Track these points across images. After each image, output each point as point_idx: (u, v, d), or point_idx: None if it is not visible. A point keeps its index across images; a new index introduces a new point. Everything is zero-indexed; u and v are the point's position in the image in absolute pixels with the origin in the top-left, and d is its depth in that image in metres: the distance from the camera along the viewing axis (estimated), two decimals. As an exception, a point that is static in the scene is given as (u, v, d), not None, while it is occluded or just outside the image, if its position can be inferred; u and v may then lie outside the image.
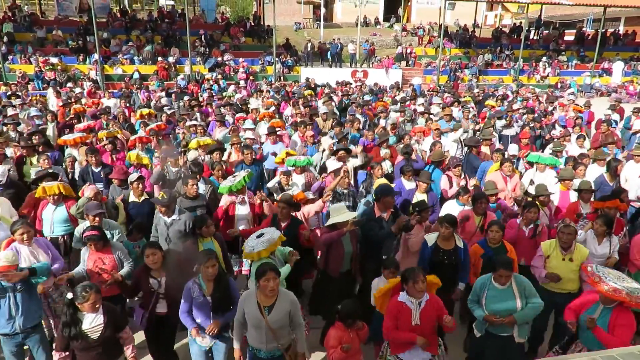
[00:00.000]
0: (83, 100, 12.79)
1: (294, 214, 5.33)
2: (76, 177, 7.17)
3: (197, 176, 6.16)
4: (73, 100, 12.24)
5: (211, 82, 18.64)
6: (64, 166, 7.43)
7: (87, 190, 5.35)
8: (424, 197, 5.90)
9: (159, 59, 20.61)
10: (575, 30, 31.10)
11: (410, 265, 4.50)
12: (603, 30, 26.03)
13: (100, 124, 9.78)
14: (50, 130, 9.86)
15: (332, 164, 6.78)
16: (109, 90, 16.10)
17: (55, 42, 21.20)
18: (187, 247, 4.73)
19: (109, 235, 4.79)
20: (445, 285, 4.22)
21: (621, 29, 33.59)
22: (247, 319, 3.62)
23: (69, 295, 3.50)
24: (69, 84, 17.50)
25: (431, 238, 4.70)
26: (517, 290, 3.91)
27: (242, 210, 5.56)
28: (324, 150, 7.97)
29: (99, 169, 6.84)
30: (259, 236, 4.28)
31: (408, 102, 13.29)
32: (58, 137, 9.34)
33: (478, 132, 9.69)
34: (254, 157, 7.16)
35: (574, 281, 4.52)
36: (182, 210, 5.14)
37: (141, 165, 6.93)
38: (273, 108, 11.24)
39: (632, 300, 3.37)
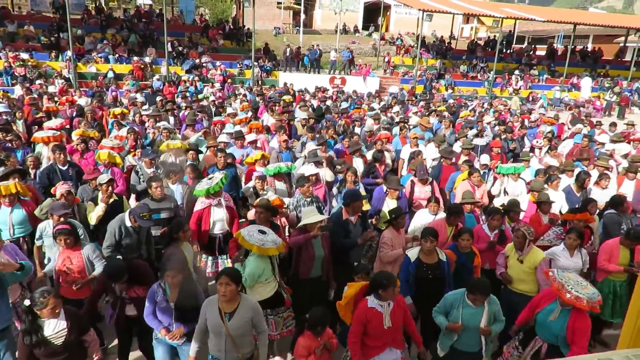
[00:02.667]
0: (55, 99, 12.45)
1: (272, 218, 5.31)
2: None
3: (172, 177, 6.10)
4: (39, 97, 11.87)
5: (187, 84, 18.44)
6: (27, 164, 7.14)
7: (60, 188, 5.19)
8: (394, 203, 5.93)
9: (135, 58, 20.27)
10: (546, 46, 32.17)
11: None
12: (572, 46, 27.03)
13: (76, 123, 9.56)
14: (20, 127, 9.58)
15: (308, 169, 6.79)
16: (82, 89, 15.75)
17: (27, 38, 20.60)
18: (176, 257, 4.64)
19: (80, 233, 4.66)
20: (433, 299, 4.22)
21: (589, 47, 34.89)
22: (208, 325, 3.53)
23: (27, 302, 3.35)
24: (39, 81, 17.01)
25: (413, 253, 4.58)
26: (487, 311, 3.90)
27: (218, 212, 5.49)
28: (305, 157, 7.83)
29: (66, 167, 6.63)
30: (260, 231, 4.24)
31: (386, 110, 13.44)
32: (26, 135, 9.07)
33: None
34: (227, 160, 7.04)
35: (527, 282, 4.75)
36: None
37: (112, 165, 6.73)
38: (250, 113, 11.20)
39: (591, 305, 3.56)
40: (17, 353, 3.58)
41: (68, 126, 9.43)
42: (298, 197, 5.98)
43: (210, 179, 5.51)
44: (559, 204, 6.65)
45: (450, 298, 4.02)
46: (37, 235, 4.90)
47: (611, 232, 5.86)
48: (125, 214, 4.88)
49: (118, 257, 4.65)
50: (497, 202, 6.98)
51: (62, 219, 4.62)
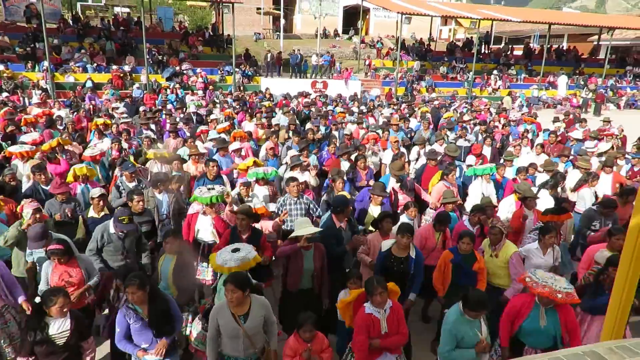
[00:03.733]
0: (34, 111, 12.15)
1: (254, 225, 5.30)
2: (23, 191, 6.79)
3: (160, 187, 6.06)
4: (17, 110, 11.60)
5: (168, 92, 18.27)
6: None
7: (27, 207, 5.07)
8: (378, 209, 5.96)
9: (114, 67, 20.03)
10: (523, 46, 32.81)
11: (369, 275, 4.59)
12: (548, 45, 27.62)
13: (48, 135, 9.32)
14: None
15: (296, 176, 6.79)
16: (60, 100, 15.49)
17: (1, 49, 20.19)
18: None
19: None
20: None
21: (564, 45, 35.70)
22: (222, 330, 3.60)
23: (37, 300, 3.51)
24: (13, 92, 16.66)
25: (387, 244, 4.77)
26: (484, 325, 3.81)
27: (203, 221, 5.49)
28: (287, 163, 7.82)
29: (49, 186, 6.51)
30: (234, 250, 4.21)
31: (366, 114, 13.52)
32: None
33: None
34: (218, 171, 6.96)
35: (501, 277, 4.91)
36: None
37: (87, 179, 6.57)
38: (230, 120, 11.15)
39: (567, 298, 3.63)
40: (19, 349, 3.68)
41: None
42: (286, 196, 6.04)
43: (210, 189, 5.53)
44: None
45: (452, 320, 3.69)
46: (27, 252, 4.81)
47: (582, 225, 6.06)
48: (111, 220, 4.94)
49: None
50: (471, 202, 7.04)
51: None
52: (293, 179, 6.12)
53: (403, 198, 6.69)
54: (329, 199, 6.42)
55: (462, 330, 3.66)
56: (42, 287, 4.29)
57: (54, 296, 3.46)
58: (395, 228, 5.55)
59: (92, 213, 5.67)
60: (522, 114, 14.26)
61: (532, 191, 6.21)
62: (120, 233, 4.87)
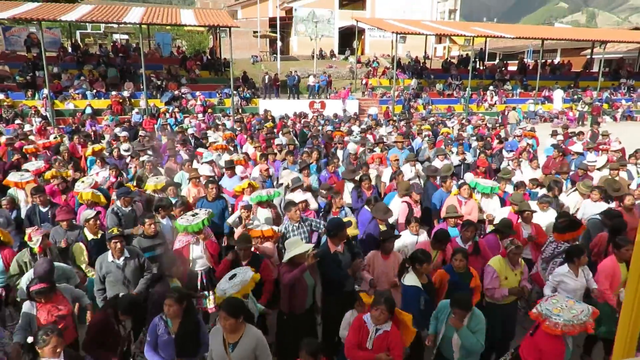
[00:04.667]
0: (31, 138, 12.24)
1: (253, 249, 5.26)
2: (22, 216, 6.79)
3: (162, 213, 6.02)
4: (18, 138, 11.65)
5: (167, 116, 18.39)
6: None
7: (35, 234, 5.05)
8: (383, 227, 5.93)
9: (113, 93, 20.20)
10: (517, 61, 33.20)
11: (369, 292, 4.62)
12: (543, 60, 27.95)
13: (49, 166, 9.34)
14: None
15: (296, 196, 6.78)
16: (60, 126, 15.58)
17: (2, 78, 20.40)
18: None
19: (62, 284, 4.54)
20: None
21: (557, 60, 36.14)
22: (212, 356, 3.57)
23: (29, 339, 3.41)
24: (17, 121, 16.75)
25: (414, 280, 4.54)
26: (463, 329, 3.96)
27: (196, 250, 5.38)
28: (286, 185, 7.74)
29: (47, 208, 6.53)
30: (231, 277, 4.17)
31: (365, 132, 13.58)
32: (2, 178, 8.87)
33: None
34: (218, 192, 6.95)
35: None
36: (132, 249, 4.96)
37: (95, 204, 6.62)
38: (225, 142, 11.16)
39: (568, 329, 3.52)
40: None
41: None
42: (286, 223, 5.96)
43: (194, 215, 5.42)
44: (547, 224, 6.49)
45: (441, 306, 4.25)
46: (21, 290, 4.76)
47: (592, 236, 5.94)
48: (109, 252, 4.81)
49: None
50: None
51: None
52: (292, 203, 6.02)
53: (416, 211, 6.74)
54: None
55: (440, 315, 4.21)
56: (18, 336, 3.93)
57: (46, 336, 3.30)
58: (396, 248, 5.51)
59: (90, 236, 5.63)
60: (522, 129, 14.32)
61: (527, 204, 6.16)
62: (120, 262, 4.74)
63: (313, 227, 6.04)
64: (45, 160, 9.37)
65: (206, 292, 5.32)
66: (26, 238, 5.20)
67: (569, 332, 3.54)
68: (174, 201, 6.62)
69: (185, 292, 4.06)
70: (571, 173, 9.18)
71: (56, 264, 4.70)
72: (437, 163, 9.33)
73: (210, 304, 5.28)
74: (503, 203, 7.41)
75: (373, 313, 3.70)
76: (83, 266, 5.45)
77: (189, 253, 5.33)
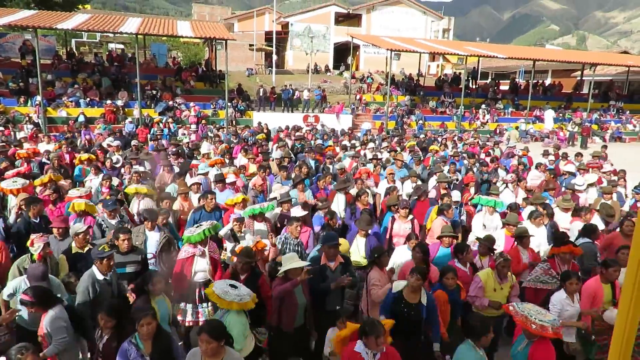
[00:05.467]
0: (25, 145, 12.11)
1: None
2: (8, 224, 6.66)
3: (150, 223, 5.94)
4: (7, 145, 11.54)
5: (161, 126, 18.35)
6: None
7: (38, 241, 4.96)
8: (363, 241, 5.98)
9: (107, 102, 20.14)
10: (509, 81, 33.72)
11: (377, 315, 4.50)
12: (534, 81, 28.40)
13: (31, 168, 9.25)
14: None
15: (297, 211, 6.74)
16: (52, 134, 15.46)
17: (-6, 84, 20.30)
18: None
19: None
20: (404, 336, 4.22)
21: (548, 81, 36.75)
22: None
23: (2, 359, 3.25)
24: (8, 126, 16.62)
25: (398, 286, 4.50)
26: None
27: (201, 263, 5.26)
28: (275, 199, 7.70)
29: (38, 219, 6.42)
30: (231, 286, 4.10)
31: (359, 148, 13.62)
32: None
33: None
34: (216, 204, 6.92)
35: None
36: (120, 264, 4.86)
37: (86, 214, 6.53)
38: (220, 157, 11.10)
39: (555, 332, 3.66)
40: None
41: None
42: (286, 235, 5.93)
43: (198, 226, 5.38)
44: (539, 241, 6.57)
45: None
46: (8, 292, 4.59)
47: (585, 261, 5.92)
48: (93, 267, 4.65)
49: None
50: (475, 234, 7.05)
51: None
52: (295, 218, 6.01)
53: (399, 227, 6.70)
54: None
55: None
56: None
57: (21, 355, 3.20)
58: (390, 265, 5.50)
59: (75, 249, 5.44)
60: (512, 147, 14.50)
61: (525, 229, 6.15)
62: (106, 278, 4.62)
63: (302, 253, 5.87)
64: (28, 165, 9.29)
65: (204, 304, 5.24)
66: (28, 243, 5.10)
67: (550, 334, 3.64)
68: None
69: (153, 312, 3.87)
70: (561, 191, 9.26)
71: (51, 277, 4.59)
72: (433, 181, 9.36)
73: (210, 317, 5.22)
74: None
75: (373, 344, 3.54)
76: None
77: (192, 265, 5.22)
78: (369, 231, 6.14)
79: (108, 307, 3.90)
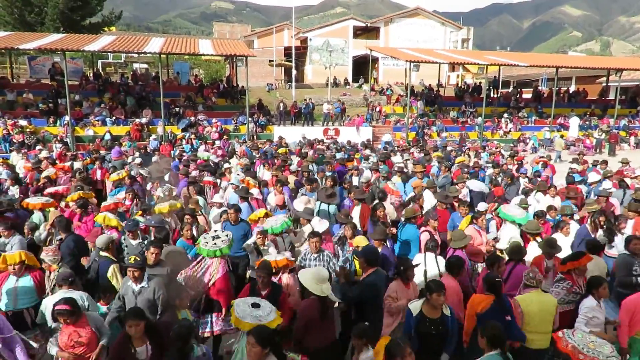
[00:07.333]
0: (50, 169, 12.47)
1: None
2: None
3: (162, 244, 5.94)
4: (43, 164, 11.91)
5: (184, 142, 18.68)
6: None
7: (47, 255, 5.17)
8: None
9: (133, 119, 20.65)
10: (532, 89, 33.20)
11: (391, 327, 4.42)
12: (557, 88, 27.89)
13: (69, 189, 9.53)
14: (16, 194, 9.56)
15: (318, 225, 6.74)
16: (79, 152, 15.89)
17: (26, 105, 21.06)
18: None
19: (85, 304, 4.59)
20: (433, 357, 4.13)
21: (572, 88, 36.04)
22: None
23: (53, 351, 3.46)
24: (38, 146, 17.19)
25: (415, 307, 4.31)
26: None
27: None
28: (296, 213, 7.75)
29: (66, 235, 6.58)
30: (253, 305, 4.04)
31: (382, 161, 13.53)
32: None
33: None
34: (238, 216, 6.99)
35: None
36: (151, 277, 4.91)
37: (110, 227, 6.70)
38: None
39: None
40: None
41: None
42: (306, 251, 5.94)
43: (215, 237, 5.43)
44: (567, 251, 6.36)
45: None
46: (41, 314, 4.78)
47: (621, 274, 5.66)
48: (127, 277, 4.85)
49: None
50: (502, 246, 6.90)
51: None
52: (315, 234, 5.97)
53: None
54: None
55: None
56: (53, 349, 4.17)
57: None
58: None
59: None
60: (540, 157, 14.16)
61: (556, 246, 5.95)
62: (136, 288, 4.73)
63: (330, 265, 5.82)
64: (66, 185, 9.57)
65: (209, 315, 5.28)
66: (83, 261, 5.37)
67: None
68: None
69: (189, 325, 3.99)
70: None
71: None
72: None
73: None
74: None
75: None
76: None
77: (208, 275, 5.28)
78: (385, 242, 6.14)
79: (132, 311, 4.02)
